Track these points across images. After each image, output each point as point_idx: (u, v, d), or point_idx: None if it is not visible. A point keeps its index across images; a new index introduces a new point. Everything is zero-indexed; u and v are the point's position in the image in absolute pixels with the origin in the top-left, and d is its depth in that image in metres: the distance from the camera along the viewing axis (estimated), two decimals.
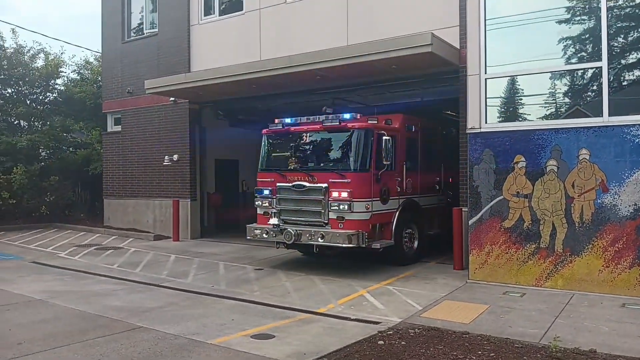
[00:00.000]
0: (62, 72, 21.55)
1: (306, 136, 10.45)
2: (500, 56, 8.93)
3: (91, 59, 23.94)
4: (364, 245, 9.44)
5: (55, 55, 21.28)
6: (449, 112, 14.20)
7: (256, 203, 10.81)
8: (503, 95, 9.11)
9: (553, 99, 8.72)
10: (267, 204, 10.57)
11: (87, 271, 10.61)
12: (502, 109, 9.14)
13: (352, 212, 9.49)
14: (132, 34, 17.38)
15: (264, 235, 10.34)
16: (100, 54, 20.28)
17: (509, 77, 8.96)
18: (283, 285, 9.05)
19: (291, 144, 10.58)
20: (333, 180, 9.72)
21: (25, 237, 16.00)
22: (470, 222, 9.05)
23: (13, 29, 22.00)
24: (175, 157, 15.48)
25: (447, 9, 10.65)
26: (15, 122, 20.15)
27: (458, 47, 10.33)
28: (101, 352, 5.60)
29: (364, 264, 10.68)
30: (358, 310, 7.45)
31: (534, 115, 8.79)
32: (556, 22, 8.46)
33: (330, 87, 12.46)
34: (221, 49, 14.40)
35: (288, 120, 10.66)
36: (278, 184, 10.41)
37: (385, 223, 10.11)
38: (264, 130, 11.09)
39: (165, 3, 16.02)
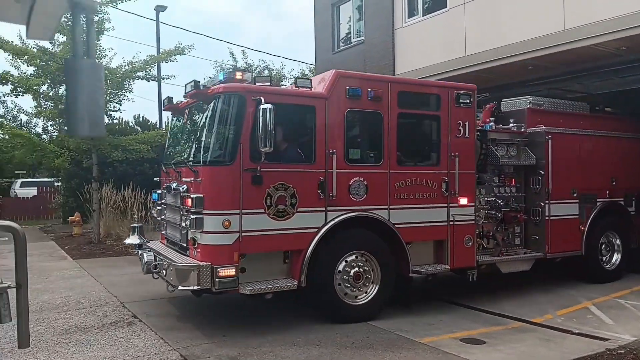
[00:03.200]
0: (283, 85, 24.02)
1: (186, 113, 7.50)
2: None
3: (306, 71, 26.15)
4: (215, 289, 5.97)
5: (277, 70, 23.85)
6: None
7: (152, 211, 8.04)
8: None
9: None
10: (155, 213, 7.82)
11: None
12: None
13: (204, 231, 6.11)
14: (341, 44, 18.49)
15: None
16: (314, 66, 22.04)
17: None
18: (490, 288, 8.63)
19: (178, 125, 8.07)
20: (188, 179, 6.57)
21: None
22: None
23: (243, 51, 25.45)
24: None
25: None
26: None
27: None
28: (319, 339, 6.09)
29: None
30: (581, 323, 6.74)
31: None
32: None
33: (544, 77, 11.49)
34: (424, 49, 14.40)
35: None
36: (165, 184, 7.59)
37: (293, 252, 6.49)
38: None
39: (370, 11, 16.68)
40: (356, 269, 6.72)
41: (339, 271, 6.61)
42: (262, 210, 6.18)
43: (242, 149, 6.10)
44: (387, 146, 6.97)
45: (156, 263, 6.69)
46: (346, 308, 6.67)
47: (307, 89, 6.66)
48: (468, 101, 7.56)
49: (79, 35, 1.41)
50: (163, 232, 7.67)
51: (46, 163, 19.22)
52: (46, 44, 15.76)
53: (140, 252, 7.20)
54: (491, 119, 8.45)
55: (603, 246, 9.11)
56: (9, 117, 30.54)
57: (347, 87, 6.71)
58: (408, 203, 7.05)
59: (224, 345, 5.84)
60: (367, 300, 6.79)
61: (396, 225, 6.93)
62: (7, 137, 17.76)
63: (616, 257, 9.24)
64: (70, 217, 16.21)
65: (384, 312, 7.13)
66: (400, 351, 5.69)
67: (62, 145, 16.72)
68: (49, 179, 24.05)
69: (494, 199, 8.15)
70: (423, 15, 14.83)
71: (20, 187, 27.68)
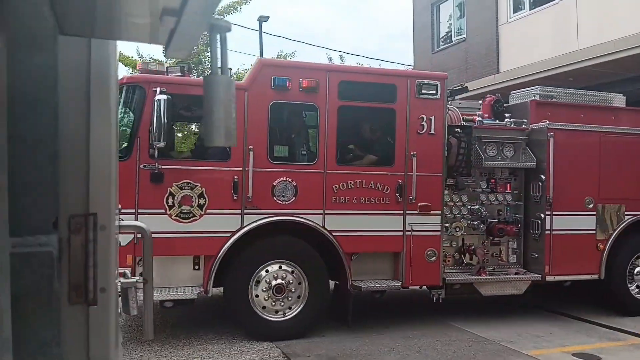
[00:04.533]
0: None
1: None
2: None
3: None
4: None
5: None
6: None
7: None
8: None
9: None
10: None
11: None
12: None
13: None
14: (441, 44, 18.09)
15: None
16: (412, 67, 21.75)
17: None
18: None
19: None
20: None
21: None
22: None
23: (341, 56, 25.69)
24: None
25: None
26: None
27: None
28: (419, 345, 5.98)
29: None
30: None
31: None
32: None
33: None
34: (531, 44, 13.66)
35: None
36: None
37: (206, 258, 5.92)
38: None
39: (473, 7, 16.16)
40: (279, 280, 6.00)
41: (257, 282, 5.96)
42: (163, 211, 5.65)
43: (140, 144, 5.64)
44: (323, 143, 6.13)
45: None
46: (264, 324, 5.99)
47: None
48: (434, 92, 6.42)
49: (215, 53, 1.51)
50: None
51: None
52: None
53: None
54: (479, 113, 7.33)
55: (636, 270, 7.36)
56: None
57: (273, 77, 6.01)
58: (350, 208, 6.16)
59: (322, 345, 5.93)
60: (291, 315, 6.05)
61: (333, 233, 6.09)
62: None
63: None
64: None
65: (487, 321, 6.86)
66: None
67: None
68: None
69: (477, 207, 6.86)
70: (530, 9, 14.13)
71: None
